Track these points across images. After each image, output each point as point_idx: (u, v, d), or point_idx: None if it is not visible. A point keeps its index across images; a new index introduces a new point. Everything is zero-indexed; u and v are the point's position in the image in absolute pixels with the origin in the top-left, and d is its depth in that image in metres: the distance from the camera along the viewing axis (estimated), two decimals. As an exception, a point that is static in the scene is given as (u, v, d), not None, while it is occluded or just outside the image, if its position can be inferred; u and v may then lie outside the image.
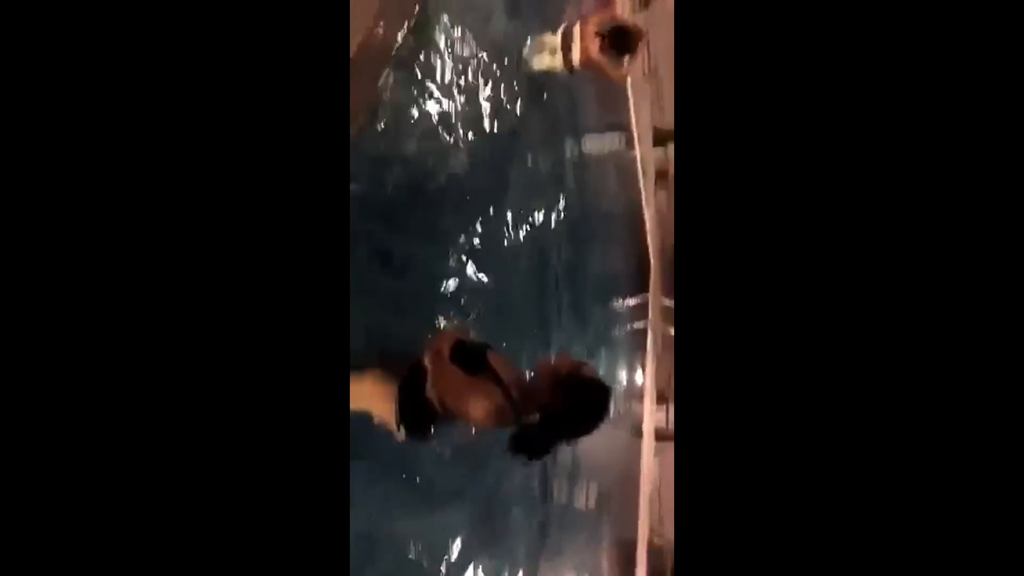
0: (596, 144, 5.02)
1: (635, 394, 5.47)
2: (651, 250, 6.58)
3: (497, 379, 1.37)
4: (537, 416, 1.37)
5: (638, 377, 5.59)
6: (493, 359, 1.43)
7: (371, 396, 1.50)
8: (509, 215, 3.12)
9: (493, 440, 2.83)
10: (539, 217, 3.46)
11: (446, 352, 1.43)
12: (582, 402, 1.38)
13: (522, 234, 3.25)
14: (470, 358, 1.42)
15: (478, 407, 1.35)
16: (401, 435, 1.49)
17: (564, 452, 3.71)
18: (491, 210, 2.95)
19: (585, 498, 4.07)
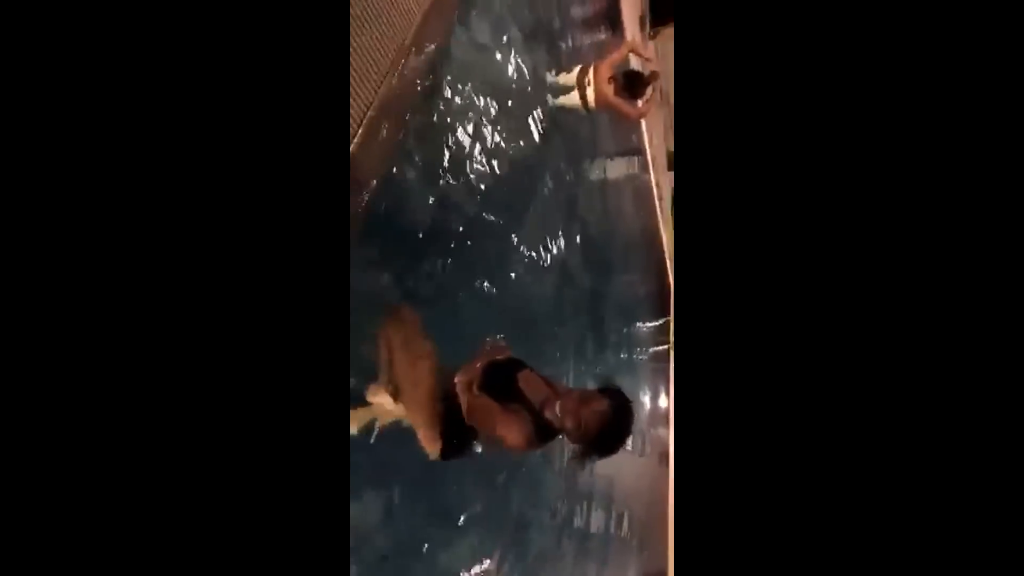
0: (612, 170, 5.08)
1: (660, 419, 5.39)
2: (670, 273, 6.57)
3: (528, 405, 1.39)
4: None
5: (662, 401, 5.52)
6: (524, 379, 1.45)
7: (412, 413, 1.53)
8: (528, 243, 3.17)
9: (518, 468, 2.81)
10: (558, 244, 3.50)
11: (476, 383, 1.46)
12: (608, 424, 1.36)
13: (541, 261, 3.28)
14: (500, 385, 1.44)
15: (512, 436, 1.37)
16: (435, 454, 1.52)
17: (591, 481, 3.66)
18: (510, 238, 3.00)
19: (613, 527, 3.98)
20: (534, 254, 3.21)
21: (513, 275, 2.92)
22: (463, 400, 1.46)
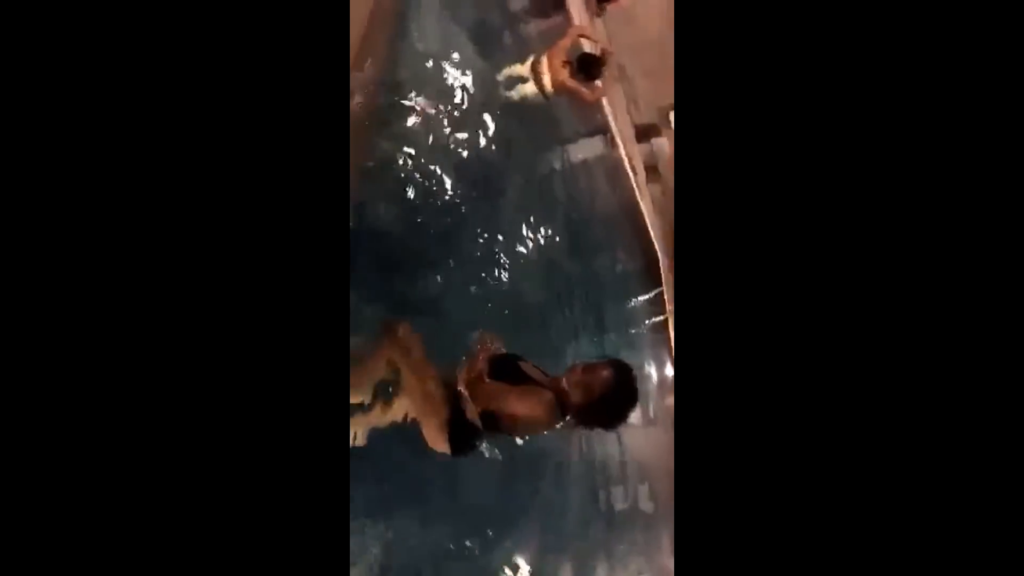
0: (581, 152, 5.08)
1: (667, 389, 5.42)
2: (656, 243, 6.58)
3: (540, 384, 1.46)
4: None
5: (667, 371, 5.55)
6: (527, 368, 1.51)
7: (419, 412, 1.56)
8: (511, 238, 3.17)
9: (544, 452, 2.83)
10: (540, 234, 3.51)
11: (485, 371, 1.49)
12: (614, 389, 1.43)
13: (529, 250, 3.29)
14: (509, 370, 1.49)
15: (532, 410, 1.43)
16: (446, 450, 1.55)
17: (611, 457, 3.69)
18: (492, 231, 3.01)
19: (638, 501, 4.02)
20: (519, 248, 3.22)
21: (500, 272, 2.94)
22: (471, 393, 1.48)
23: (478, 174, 2.95)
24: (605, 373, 1.42)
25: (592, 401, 1.42)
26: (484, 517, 2.32)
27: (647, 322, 5.67)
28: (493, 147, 3.18)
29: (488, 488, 2.33)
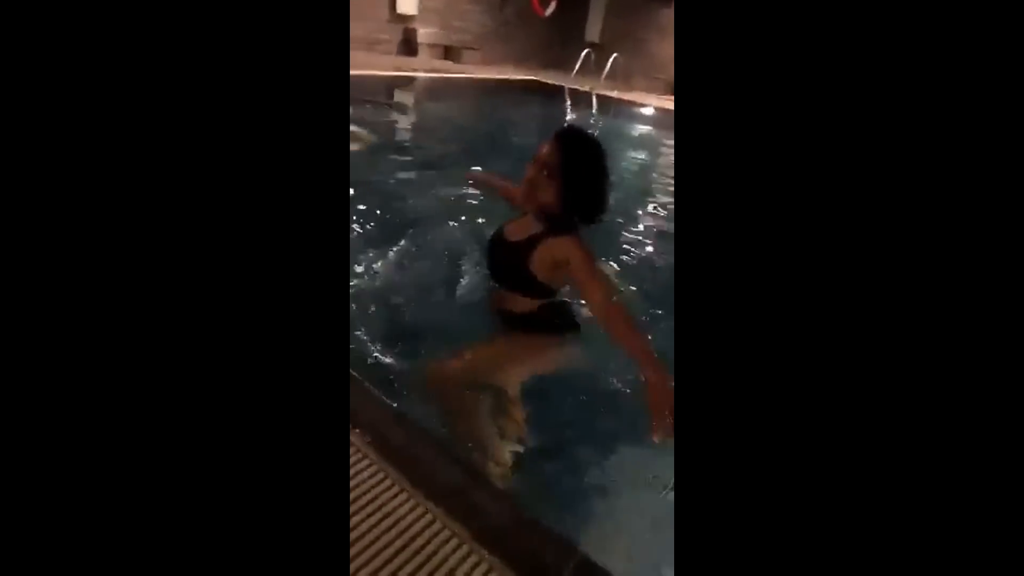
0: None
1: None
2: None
3: (528, 257, 1.35)
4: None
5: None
6: (509, 233, 1.44)
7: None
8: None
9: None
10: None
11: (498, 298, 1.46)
12: (564, 153, 1.30)
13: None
14: (508, 271, 1.43)
15: (560, 255, 1.30)
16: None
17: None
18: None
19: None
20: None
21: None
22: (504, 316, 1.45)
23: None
24: (545, 149, 1.28)
25: (561, 184, 1.27)
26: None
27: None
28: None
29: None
